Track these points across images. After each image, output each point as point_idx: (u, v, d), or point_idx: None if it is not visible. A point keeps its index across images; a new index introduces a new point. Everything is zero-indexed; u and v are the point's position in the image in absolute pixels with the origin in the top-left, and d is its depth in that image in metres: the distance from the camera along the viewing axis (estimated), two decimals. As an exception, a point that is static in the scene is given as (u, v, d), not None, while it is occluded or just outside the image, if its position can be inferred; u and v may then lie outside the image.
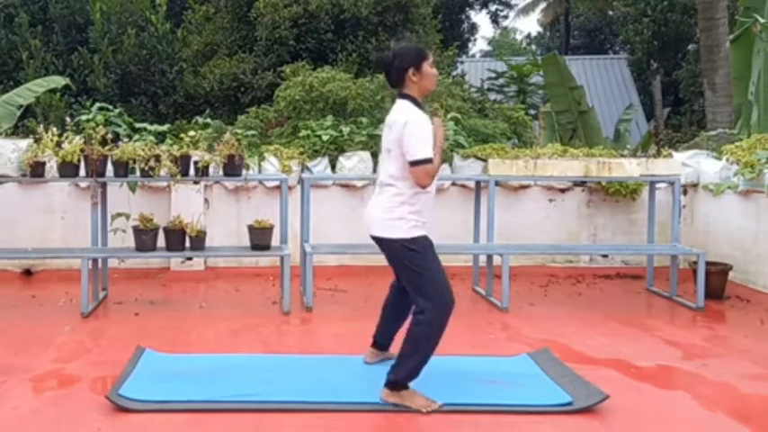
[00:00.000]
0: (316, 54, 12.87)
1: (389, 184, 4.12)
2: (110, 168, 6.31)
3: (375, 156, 7.69)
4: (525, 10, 31.66)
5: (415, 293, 4.07)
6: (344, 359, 4.77)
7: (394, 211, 4.07)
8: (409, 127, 3.99)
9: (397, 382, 4.02)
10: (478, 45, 41.38)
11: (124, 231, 6.41)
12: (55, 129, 6.44)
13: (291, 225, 6.81)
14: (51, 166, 6.30)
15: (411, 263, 4.07)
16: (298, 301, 6.47)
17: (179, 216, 6.39)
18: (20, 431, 3.77)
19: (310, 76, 10.36)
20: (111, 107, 7.93)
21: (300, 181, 7.01)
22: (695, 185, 8.00)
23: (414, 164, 3.97)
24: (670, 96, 24.38)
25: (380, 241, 4.17)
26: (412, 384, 4.05)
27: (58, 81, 9.76)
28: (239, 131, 7.28)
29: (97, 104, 7.98)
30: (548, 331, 5.63)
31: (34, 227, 7.62)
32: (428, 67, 4.17)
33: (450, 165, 7.99)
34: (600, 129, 12.55)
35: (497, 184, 7.16)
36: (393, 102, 4.29)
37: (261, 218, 6.53)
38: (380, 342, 4.67)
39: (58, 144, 6.25)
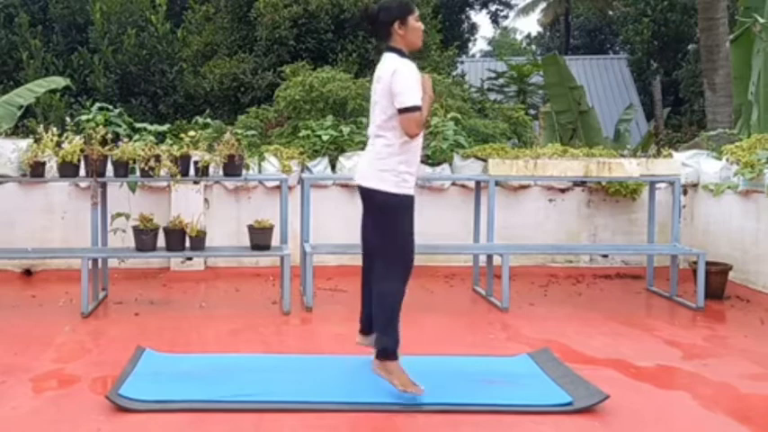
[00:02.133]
0: (316, 54, 12.87)
1: (378, 135, 4.15)
2: (110, 168, 6.31)
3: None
4: (525, 10, 31.69)
5: (384, 250, 4.17)
6: (344, 359, 4.77)
7: (383, 162, 4.10)
8: (397, 75, 4.01)
9: (385, 351, 4.12)
10: (478, 45, 41.38)
11: (124, 231, 6.41)
12: (55, 129, 6.44)
13: (291, 225, 6.81)
14: (51, 166, 6.30)
15: (388, 219, 4.14)
16: (298, 301, 6.47)
17: (179, 216, 6.39)
18: (20, 431, 3.77)
19: (310, 76, 10.37)
20: (111, 107, 7.92)
21: (300, 181, 7.01)
22: (695, 185, 8.00)
23: (402, 111, 3.99)
24: (670, 96, 24.37)
25: (367, 192, 4.20)
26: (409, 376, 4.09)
27: (59, 81, 9.77)
28: (239, 131, 7.28)
29: (97, 104, 7.97)
30: (548, 331, 5.63)
31: (34, 227, 7.62)
32: (414, 21, 4.21)
33: (451, 165, 7.99)
34: (600, 129, 12.56)
35: (497, 184, 7.16)
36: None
37: (261, 218, 6.53)
38: (366, 328, 4.65)
39: (58, 144, 6.25)
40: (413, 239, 4.22)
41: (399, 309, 4.19)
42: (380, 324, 4.20)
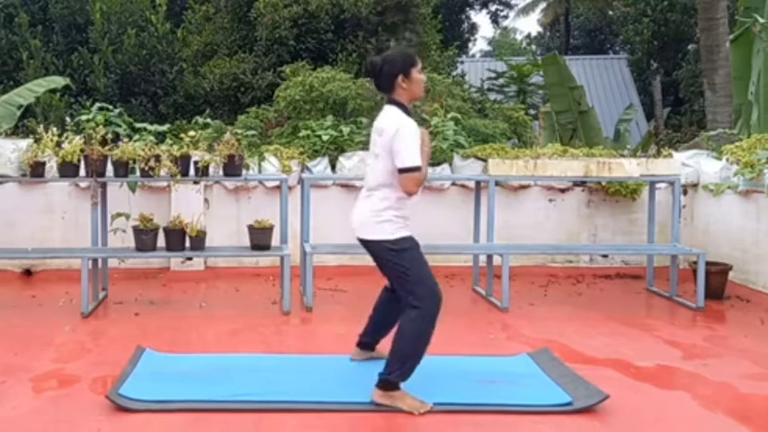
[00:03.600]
0: (316, 54, 12.87)
1: (376, 189, 4.15)
2: (110, 168, 6.31)
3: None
4: (525, 10, 31.70)
5: (405, 293, 4.10)
6: (344, 359, 4.76)
7: (380, 214, 4.12)
8: (400, 134, 4.01)
9: (390, 382, 4.02)
10: (478, 45, 41.43)
11: (124, 231, 6.41)
12: (55, 129, 6.44)
13: (291, 225, 6.81)
14: (51, 166, 6.30)
15: (397, 263, 4.10)
16: (298, 301, 6.47)
17: (179, 216, 6.39)
18: (20, 431, 3.77)
19: (310, 76, 10.37)
20: (111, 107, 7.92)
21: (300, 181, 7.01)
22: (695, 185, 8.00)
23: (403, 171, 4.00)
24: (670, 96, 24.37)
25: (367, 243, 4.21)
26: (403, 386, 4.04)
27: (58, 81, 9.77)
28: (239, 131, 7.27)
29: (97, 104, 7.96)
30: (548, 331, 5.63)
31: (34, 227, 7.62)
32: (417, 74, 4.18)
33: (451, 165, 7.99)
34: (600, 129, 12.56)
35: (497, 184, 7.16)
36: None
37: (261, 218, 6.53)
38: (366, 343, 4.71)
39: (58, 144, 6.25)
40: (430, 272, 4.14)
41: (422, 344, 4.03)
42: (397, 351, 4.04)
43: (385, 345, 4.61)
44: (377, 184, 4.15)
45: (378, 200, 4.14)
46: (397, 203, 4.11)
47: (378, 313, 4.64)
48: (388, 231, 4.10)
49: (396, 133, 4.01)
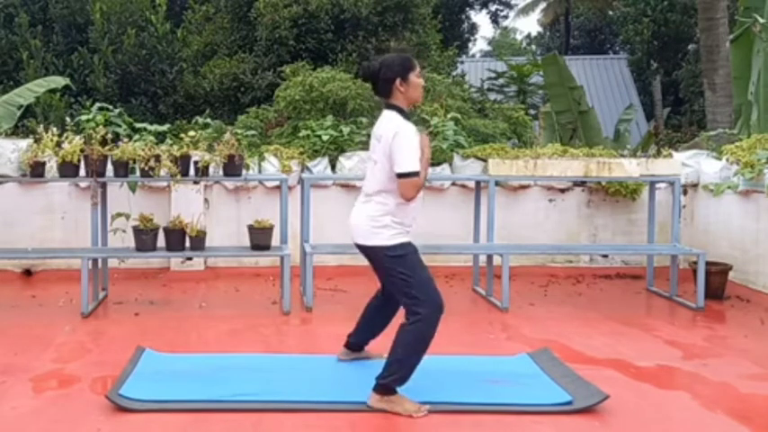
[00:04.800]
0: (316, 54, 12.87)
1: (375, 195, 4.13)
2: (110, 168, 6.31)
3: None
4: (525, 10, 31.68)
5: (406, 299, 4.05)
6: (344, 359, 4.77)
7: (378, 220, 4.09)
8: (398, 139, 3.98)
9: (388, 387, 3.99)
10: (478, 45, 41.43)
11: (124, 231, 6.41)
12: (55, 129, 6.44)
13: (291, 225, 6.81)
14: (51, 166, 6.30)
15: (397, 269, 4.07)
16: (298, 301, 6.47)
17: (179, 216, 6.39)
18: (20, 431, 3.77)
19: (310, 76, 10.36)
20: (111, 107, 7.92)
21: (300, 181, 7.01)
22: (695, 185, 8.00)
23: (401, 176, 3.97)
24: (670, 96, 24.38)
25: (365, 249, 4.18)
26: (403, 389, 4.03)
27: (58, 81, 9.76)
28: (239, 131, 7.28)
29: (97, 104, 7.96)
30: (548, 331, 5.63)
31: (34, 227, 7.62)
32: (415, 78, 4.15)
33: (451, 165, 7.99)
34: (600, 129, 12.54)
35: (497, 184, 7.16)
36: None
37: (261, 218, 6.53)
38: (354, 344, 4.70)
39: (58, 144, 6.25)
40: (431, 278, 4.12)
41: (421, 349, 4.00)
42: (396, 356, 4.01)
43: (374, 345, 4.63)
44: (375, 191, 4.12)
45: (376, 205, 4.11)
46: (395, 209, 4.08)
47: (369, 315, 4.63)
48: (385, 237, 4.07)
49: (394, 138, 3.99)
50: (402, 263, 4.06)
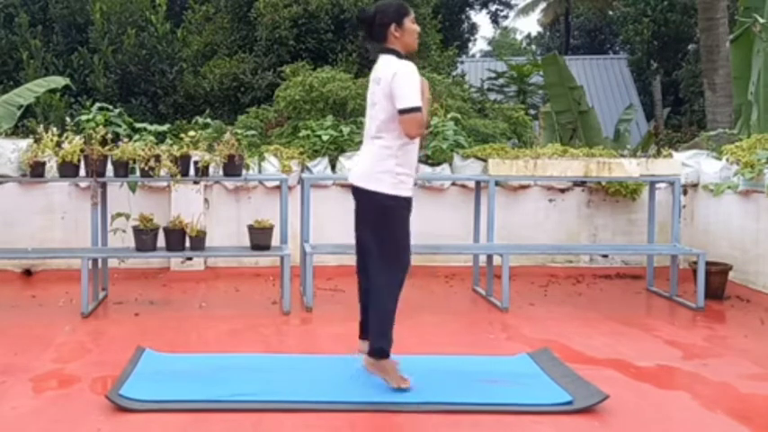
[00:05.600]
0: (316, 54, 12.87)
1: (377, 137, 4.14)
2: (110, 168, 6.31)
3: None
4: (525, 10, 31.69)
5: (378, 254, 4.15)
6: (344, 359, 4.76)
7: (381, 163, 4.10)
8: (398, 77, 4.02)
9: (378, 350, 4.16)
10: (478, 45, 41.42)
11: (124, 231, 6.41)
12: (55, 129, 6.44)
13: (291, 225, 6.81)
14: (51, 166, 6.30)
15: (384, 220, 4.13)
16: (298, 301, 6.47)
17: (179, 216, 6.39)
18: (20, 431, 3.77)
19: (310, 76, 10.36)
20: (111, 107, 7.92)
21: (300, 181, 7.01)
22: (695, 185, 8.00)
23: (403, 112, 3.99)
24: (670, 96, 24.38)
25: (362, 193, 4.21)
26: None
27: (58, 81, 9.76)
28: (239, 131, 7.28)
29: (97, 104, 7.96)
30: (548, 331, 5.63)
31: (34, 227, 7.62)
32: (410, 23, 4.19)
33: (451, 165, 7.99)
34: (600, 129, 12.55)
35: (497, 184, 7.16)
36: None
37: (261, 218, 6.53)
38: (366, 333, 4.67)
39: (58, 144, 6.25)
40: (409, 240, 4.23)
41: (395, 308, 4.21)
42: (377, 323, 4.21)
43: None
44: (377, 131, 4.13)
45: (380, 147, 4.11)
46: (399, 151, 4.08)
47: (367, 302, 4.63)
48: (387, 185, 4.08)
49: (394, 76, 4.02)
50: (393, 216, 4.13)
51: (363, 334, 4.65)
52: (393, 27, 4.15)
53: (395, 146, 4.08)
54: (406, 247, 4.20)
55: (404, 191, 4.13)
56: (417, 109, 3.98)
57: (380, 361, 4.18)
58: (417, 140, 4.18)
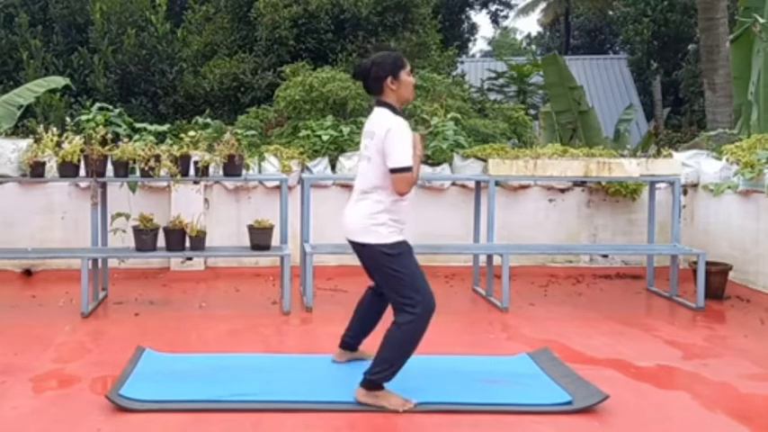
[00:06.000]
0: (316, 54, 12.86)
1: (370, 193, 4.13)
2: (110, 168, 6.31)
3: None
4: (525, 10, 31.68)
5: (399, 297, 4.05)
6: (344, 359, 4.77)
7: (375, 217, 4.09)
8: (391, 134, 3.99)
9: (374, 383, 4.02)
10: (478, 45, 41.45)
11: (124, 231, 6.41)
12: (55, 129, 6.44)
13: (291, 225, 6.81)
14: (51, 166, 6.30)
15: (391, 267, 4.07)
16: (298, 301, 6.47)
17: (179, 216, 6.39)
18: (20, 431, 3.77)
19: (310, 76, 10.36)
20: (111, 107, 7.92)
21: (300, 181, 7.01)
22: (695, 185, 8.00)
23: (394, 171, 3.98)
24: (670, 96, 24.37)
25: (360, 247, 4.17)
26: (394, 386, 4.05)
27: (58, 81, 9.76)
28: (239, 131, 7.27)
29: (97, 104, 7.96)
30: (548, 331, 5.63)
31: (34, 227, 7.62)
32: (406, 76, 4.16)
33: (451, 165, 7.99)
34: (600, 129, 12.55)
35: (497, 184, 7.16)
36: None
37: (261, 218, 6.53)
38: (349, 343, 4.71)
39: (58, 144, 6.25)
40: (424, 279, 4.11)
41: (411, 348, 4.04)
42: (384, 353, 4.03)
43: (367, 344, 4.62)
44: (371, 187, 4.12)
45: (372, 203, 4.11)
46: (392, 206, 4.08)
47: (362, 312, 4.66)
48: (384, 235, 4.07)
49: (387, 134, 4.00)
50: (398, 261, 4.06)
51: (347, 343, 4.68)
52: (389, 80, 4.12)
53: (387, 201, 4.09)
54: (426, 286, 4.08)
55: (400, 236, 4.11)
56: (409, 168, 3.99)
57: (373, 392, 4.03)
58: (411, 194, 4.13)
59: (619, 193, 8.02)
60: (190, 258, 7.39)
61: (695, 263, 6.58)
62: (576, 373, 4.48)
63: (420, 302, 4.01)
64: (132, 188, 7.08)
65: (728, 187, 7.32)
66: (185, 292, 7.01)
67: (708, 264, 6.58)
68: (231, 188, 7.83)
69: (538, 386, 4.31)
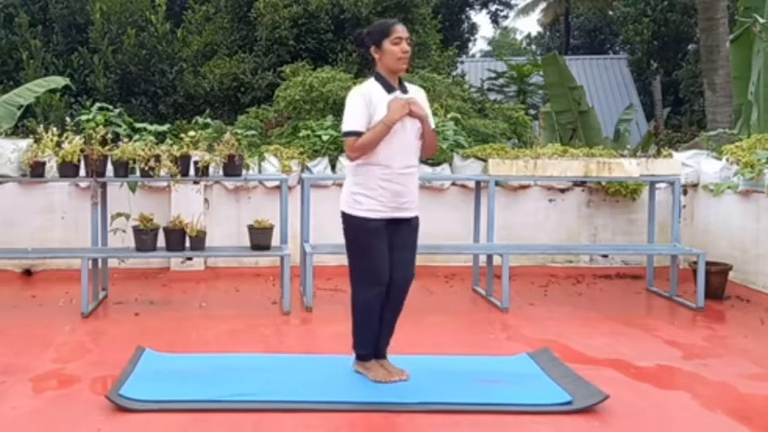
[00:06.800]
0: (316, 54, 12.87)
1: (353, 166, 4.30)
2: (110, 168, 6.31)
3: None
4: (525, 10, 31.67)
5: (349, 267, 4.35)
6: (344, 359, 4.75)
7: (349, 187, 4.25)
8: (346, 102, 4.18)
9: (357, 355, 4.39)
10: (478, 45, 41.42)
11: (124, 231, 6.41)
12: (55, 129, 6.44)
13: (291, 225, 6.81)
14: (51, 166, 6.30)
15: (346, 236, 4.29)
16: (298, 301, 6.47)
17: (179, 216, 6.39)
18: (20, 431, 3.77)
19: (310, 76, 10.37)
20: (111, 107, 7.93)
21: (300, 181, 7.01)
22: (695, 185, 8.00)
23: (343, 135, 4.18)
24: (670, 96, 24.37)
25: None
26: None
27: (58, 81, 9.76)
28: (239, 131, 7.28)
29: (97, 104, 7.97)
30: (548, 331, 5.63)
31: (34, 227, 7.62)
32: (389, 44, 4.13)
33: (451, 165, 7.99)
34: (600, 129, 12.55)
35: (497, 184, 7.16)
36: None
37: (261, 218, 6.53)
38: (374, 352, 4.56)
39: (58, 144, 6.25)
40: (379, 260, 4.23)
41: (365, 322, 4.32)
42: (352, 330, 4.41)
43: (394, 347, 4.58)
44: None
45: (349, 175, 4.29)
46: (354, 170, 4.22)
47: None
48: (347, 203, 4.23)
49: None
50: (349, 233, 4.25)
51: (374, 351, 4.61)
52: (373, 49, 4.18)
53: (351, 166, 4.25)
54: (370, 265, 4.23)
55: (359, 211, 4.17)
56: (350, 133, 4.10)
57: (362, 362, 4.40)
58: (390, 161, 4.12)
59: (619, 193, 8.02)
60: (190, 258, 7.39)
61: (695, 263, 6.58)
62: (576, 373, 4.48)
63: (357, 277, 4.29)
64: (132, 188, 7.08)
65: (728, 187, 7.31)
66: (185, 292, 7.01)
67: (708, 264, 6.58)
68: (231, 188, 7.83)
69: (538, 386, 4.31)
